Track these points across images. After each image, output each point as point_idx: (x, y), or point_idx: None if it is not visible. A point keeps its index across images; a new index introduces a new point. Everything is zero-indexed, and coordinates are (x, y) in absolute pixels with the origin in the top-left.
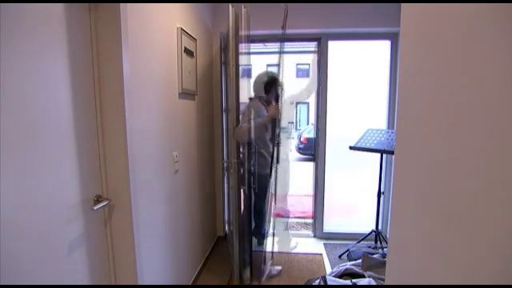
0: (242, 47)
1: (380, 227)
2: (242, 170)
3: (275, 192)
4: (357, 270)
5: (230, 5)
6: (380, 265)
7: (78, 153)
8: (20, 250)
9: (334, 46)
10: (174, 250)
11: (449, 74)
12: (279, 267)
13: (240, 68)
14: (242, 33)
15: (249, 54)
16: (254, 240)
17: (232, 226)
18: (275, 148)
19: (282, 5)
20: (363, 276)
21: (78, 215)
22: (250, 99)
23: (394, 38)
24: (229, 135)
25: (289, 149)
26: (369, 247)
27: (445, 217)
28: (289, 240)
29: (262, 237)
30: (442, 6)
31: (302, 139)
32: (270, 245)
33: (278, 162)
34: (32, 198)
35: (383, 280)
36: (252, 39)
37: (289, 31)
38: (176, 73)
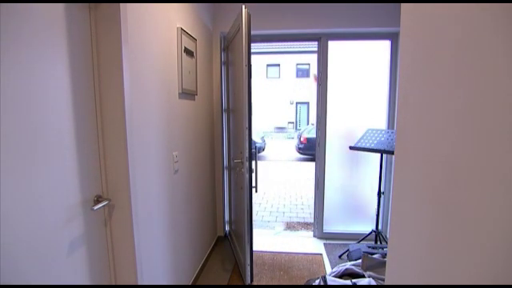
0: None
1: (380, 227)
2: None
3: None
4: (357, 270)
5: (244, 5)
6: (380, 265)
7: (78, 153)
8: (20, 250)
9: (334, 46)
10: (174, 250)
11: (449, 74)
12: None
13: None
14: (243, 33)
15: (249, 54)
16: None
17: (236, 226)
18: None
19: (282, 5)
20: (363, 276)
21: (77, 215)
22: None
23: (393, 38)
24: (236, 135)
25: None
26: (369, 247)
27: (445, 217)
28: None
29: None
30: (441, 5)
31: (301, 139)
32: None
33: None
34: (32, 198)
35: (383, 280)
36: (252, 39)
37: (289, 31)
38: (176, 73)
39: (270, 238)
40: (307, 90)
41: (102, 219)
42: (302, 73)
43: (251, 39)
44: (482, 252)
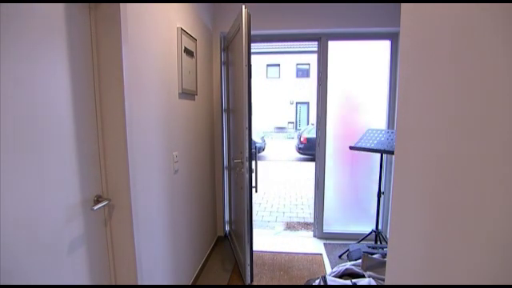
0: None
1: (380, 227)
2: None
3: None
4: (357, 270)
5: (244, 5)
6: (380, 265)
7: (78, 153)
8: (20, 250)
9: (334, 46)
10: (174, 250)
11: (449, 74)
12: None
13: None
14: (243, 33)
15: (249, 54)
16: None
17: (236, 226)
18: None
19: (282, 5)
20: (363, 276)
21: (77, 215)
22: None
23: (393, 38)
24: (236, 135)
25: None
26: (369, 247)
27: (445, 217)
28: None
29: None
30: (441, 5)
31: (301, 139)
32: None
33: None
34: (32, 198)
35: (383, 280)
36: (252, 39)
37: (289, 31)
38: (176, 73)
39: (269, 238)
40: (307, 90)
41: (102, 219)
42: (302, 73)
43: (251, 39)
44: (482, 252)
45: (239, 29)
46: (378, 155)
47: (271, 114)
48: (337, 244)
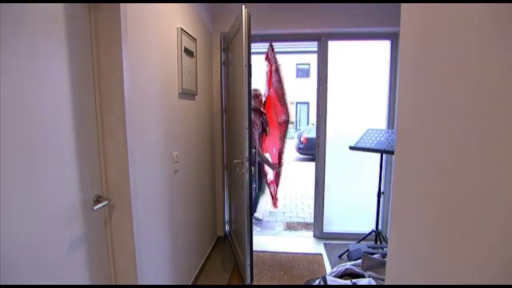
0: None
1: (380, 227)
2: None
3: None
4: (357, 270)
5: (244, 5)
6: (380, 265)
7: (78, 153)
8: (20, 250)
9: (334, 46)
10: (174, 249)
11: (449, 74)
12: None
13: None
14: (243, 33)
15: (249, 54)
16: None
17: (236, 226)
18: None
19: (282, 5)
20: (363, 276)
21: (77, 215)
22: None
23: (393, 38)
24: (236, 135)
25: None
26: (369, 247)
27: (445, 216)
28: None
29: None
30: (441, 5)
31: (301, 139)
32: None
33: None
34: (32, 198)
35: (383, 280)
36: (252, 39)
37: (289, 31)
38: (176, 73)
39: (270, 237)
40: (307, 89)
41: (102, 219)
42: (302, 73)
43: (251, 39)
44: (483, 251)
45: (239, 29)
46: (378, 155)
47: None
48: (337, 244)
